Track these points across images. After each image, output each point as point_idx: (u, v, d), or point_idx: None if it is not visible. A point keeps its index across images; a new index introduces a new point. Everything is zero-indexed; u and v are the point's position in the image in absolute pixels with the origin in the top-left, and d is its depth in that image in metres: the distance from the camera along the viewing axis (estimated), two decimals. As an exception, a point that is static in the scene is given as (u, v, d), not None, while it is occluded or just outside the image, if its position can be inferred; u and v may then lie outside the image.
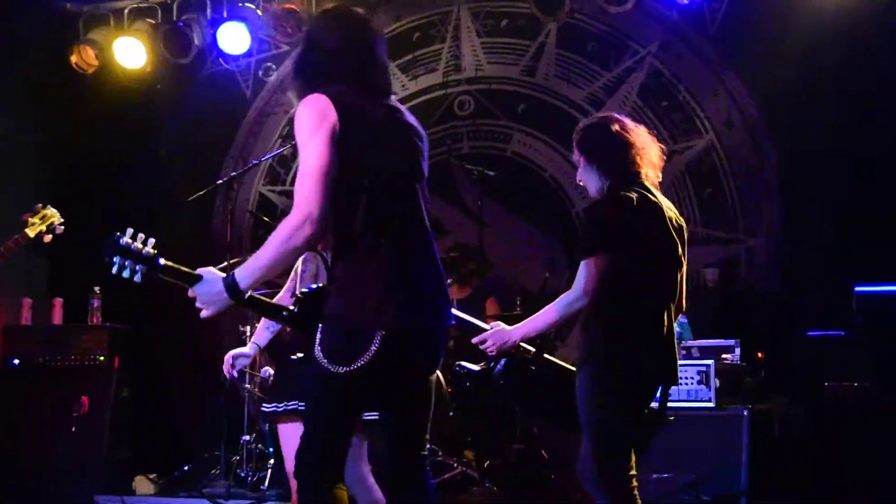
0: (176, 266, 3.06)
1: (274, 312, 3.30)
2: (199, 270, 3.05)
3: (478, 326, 4.10)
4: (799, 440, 5.66)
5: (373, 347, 3.01)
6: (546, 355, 4.08)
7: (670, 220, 3.84)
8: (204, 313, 3.06)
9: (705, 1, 7.32)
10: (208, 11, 7.76)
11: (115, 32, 7.87)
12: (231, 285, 3.00)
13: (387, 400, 3.19)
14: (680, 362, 5.37)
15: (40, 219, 4.90)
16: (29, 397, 6.55)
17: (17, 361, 6.69)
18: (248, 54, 8.05)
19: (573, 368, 3.88)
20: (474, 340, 4.02)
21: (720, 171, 7.48)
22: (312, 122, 3.00)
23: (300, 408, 4.26)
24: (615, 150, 3.88)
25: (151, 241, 3.06)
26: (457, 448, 6.46)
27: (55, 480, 6.33)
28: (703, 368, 5.38)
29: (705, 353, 5.85)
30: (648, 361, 3.74)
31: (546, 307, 3.83)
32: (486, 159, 7.79)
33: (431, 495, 3.24)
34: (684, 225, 3.92)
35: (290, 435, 4.26)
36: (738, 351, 5.90)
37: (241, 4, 7.65)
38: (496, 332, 3.97)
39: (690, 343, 5.94)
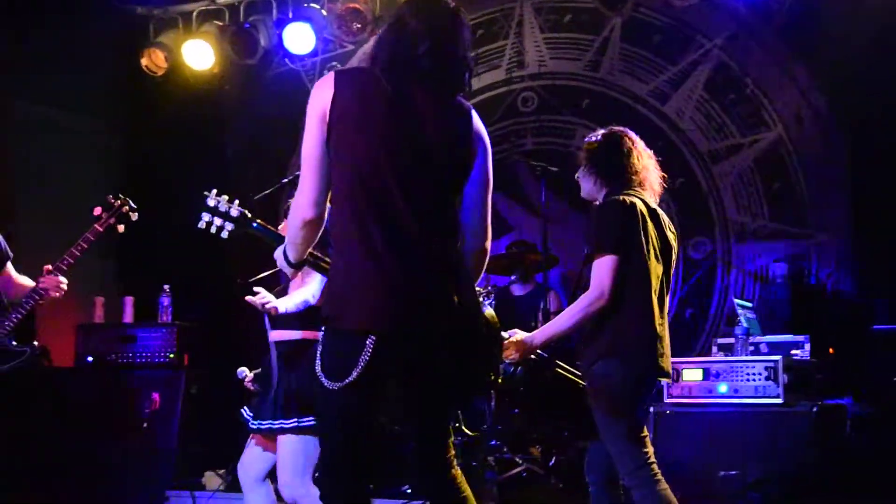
0: (260, 227, 3.33)
1: None
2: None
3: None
4: (869, 438, 5.54)
5: (366, 354, 2.87)
6: (558, 362, 4.11)
7: (668, 226, 4.00)
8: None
9: (773, -9, 7.23)
10: (274, 12, 7.84)
11: (183, 35, 7.99)
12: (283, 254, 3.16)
13: (397, 406, 3.09)
14: (747, 358, 5.37)
15: (110, 211, 5.01)
16: (102, 394, 6.68)
17: (90, 359, 6.83)
18: (314, 54, 8.11)
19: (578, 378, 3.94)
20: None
21: (789, 164, 7.35)
22: (310, 105, 2.97)
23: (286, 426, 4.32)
24: (619, 160, 4.00)
25: (236, 202, 3.30)
26: (522, 445, 6.44)
27: (127, 475, 6.45)
28: (772, 364, 5.29)
29: (774, 348, 5.76)
30: (656, 357, 3.83)
31: (566, 310, 3.90)
32: (550, 155, 7.76)
33: (459, 495, 3.11)
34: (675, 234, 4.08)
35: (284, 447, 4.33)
36: (807, 347, 5.79)
37: (306, 5, 7.71)
38: (518, 339, 3.99)
39: (758, 339, 5.85)
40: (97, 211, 5.04)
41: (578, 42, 8.00)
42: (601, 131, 4.20)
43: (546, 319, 6.66)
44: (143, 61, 7.94)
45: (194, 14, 8.04)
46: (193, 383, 6.92)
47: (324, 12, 7.70)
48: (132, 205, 5.07)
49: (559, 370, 4.13)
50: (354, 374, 2.86)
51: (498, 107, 8.15)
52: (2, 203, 7.52)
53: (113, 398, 6.64)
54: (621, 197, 3.90)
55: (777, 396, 5.30)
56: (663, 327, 3.87)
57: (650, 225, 3.89)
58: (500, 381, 3.29)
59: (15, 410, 6.59)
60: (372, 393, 2.92)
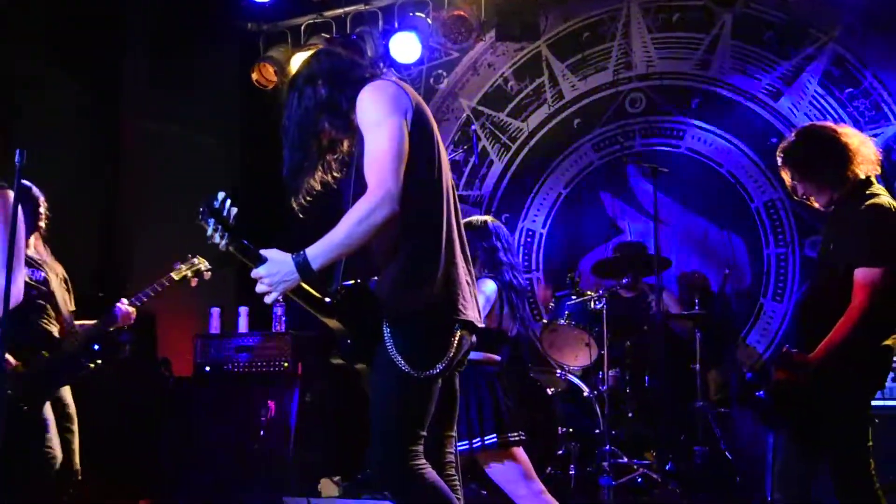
0: (248, 245, 3.01)
1: (318, 304, 3.14)
2: (264, 251, 3.01)
3: None
4: None
5: (452, 347, 3.05)
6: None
7: None
8: (268, 298, 3.03)
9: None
10: (380, 23, 7.92)
11: (292, 49, 8.12)
12: (302, 264, 2.95)
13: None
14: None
15: (188, 265, 5.21)
16: (219, 402, 6.81)
17: (208, 368, 6.98)
18: (420, 62, 8.15)
19: None
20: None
21: (911, 159, 7.09)
22: (386, 105, 3.05)
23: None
24: (836, 157, 3.78)
25: (234, 210, 3.02)
26: (637, 449, 6.36)
27: (245, 482, 6.56)
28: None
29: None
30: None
31: (837, 326, 3.64)
32: (660, 156, 7.66)
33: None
34: None
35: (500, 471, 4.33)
36: None
37: (411, 14, 7.77)
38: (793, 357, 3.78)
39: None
40: (176, 264, 5.22)
41: (687, 41, 7.85)
42: (790, 139, 3.98)
43: (660, 321, 6.57)
44: (254, 76, 8.10)
45: (302, 27, 8.17)
46: (307, 391, 7.01)
47: (429, 21, 7.75)
48: (207, 265, 5.28)
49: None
50: (441, 366, 3.03)
51: (606, 109, 8.06)
52: (128, 218, 7.77)
53: (230, 406, 6.77)
54: (874, 201, 3.73)
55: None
56: None
57: None
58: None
59: (137, 418, 6.82)
60: (439, 384, 3.10)
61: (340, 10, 8.04)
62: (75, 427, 4.87)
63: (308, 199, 3.30)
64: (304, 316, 7.00)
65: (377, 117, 3.04)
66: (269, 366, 6.86)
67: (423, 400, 3.07)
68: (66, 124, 7.17)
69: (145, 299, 5.14)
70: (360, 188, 3.04)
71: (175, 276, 5.19)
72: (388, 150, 2.98)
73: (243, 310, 7.29)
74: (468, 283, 3.17)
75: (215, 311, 7.29)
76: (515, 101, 8.37)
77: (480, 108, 8.44)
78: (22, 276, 4.34)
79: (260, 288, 3.02)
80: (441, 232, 3.10)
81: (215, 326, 7.27)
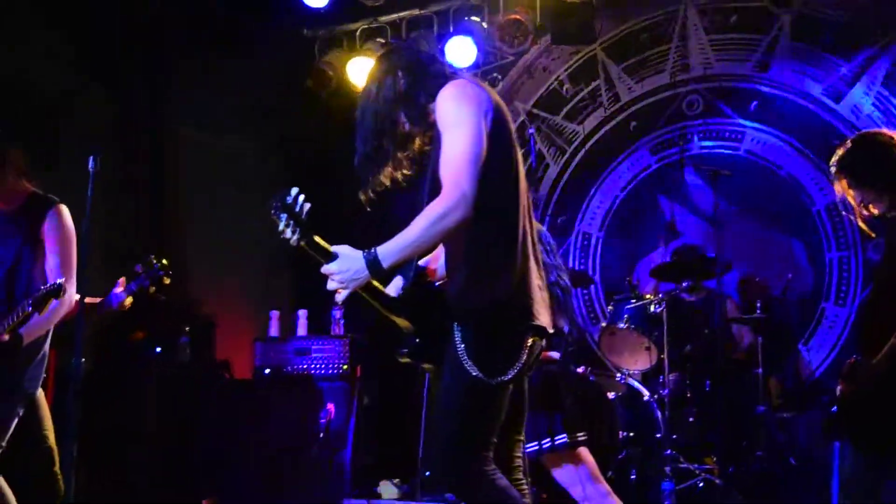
0: (320, 241, 2.99)
1: (388, 301, 3.14)
2: (335, 248, 2.99)
3: None
4: None
5: (524, 353, 3.02)
6: None
7: None
8: (339, 296, 3.00)
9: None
10: (435, 27, 7.93)
11: (348, 54, 8.16)
12: (373, 262, 2.93)
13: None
14: None
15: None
16: (279, 405, 6.86)
17: (267, 371, 7.03)
18: (475, 66, 8.14)
19: None
20: None
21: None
22: (466, 105, 3.05)
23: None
24: (894, 163, 3.74)
25: (307, 206, 3.01)
26: (698, 454, 6.30)
27: (305, 485, 6.59)
28: None
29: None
30: None
31: None
32: (718, 159, 7.60)
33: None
34: None
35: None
36: None
37: (466, 19, 7.78)
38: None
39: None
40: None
41: (745, 42, 7.79)
42: (845, 147, 3.91)
43: (721, 325, 6.52)
44: (310, 81, 8.15)
45: (357, 33, 8.20)
46: (365, 394, 7.04)
47: (484, 25, 7.75)
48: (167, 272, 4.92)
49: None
50: (513, 372, 2.99)
51: (663, 111, 8.02)
52: (174, 225, 7.85)
53: (290, 409, 6.81)
54: None
55: None
56: None
57: None
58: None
59: (197, 420, 6.89)
60: (510, 390, 3.06)
61: (395, 15, 8.05)
62: None
63: (375, 193, 3.31)
64: (361, 319, 7.09)
65: (457, 117, 3.02)
66: (328, 369, 6.90)
67: (495, 406, 3.03)
68: (111, 132, 7.27)
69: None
70: (435, 187, 3.03)
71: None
72: (466, 152, 2.97)
73: (302, 313, 7.34)
74: (540, 288, 3.13)
75: (274, 314, 7.35)
76: (571, 104, 8.35)
77: (536, 111, 8.42)
78: (74, 286, 4.39)
79: (331, 285, 3.00)
80: (516, 234, 3.07)
81: (274, 330, 7.32)
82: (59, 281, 4.06)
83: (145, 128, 7.70)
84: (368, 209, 3.35)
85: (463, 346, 2.97)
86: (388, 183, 3.31)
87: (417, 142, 3.31)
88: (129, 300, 4.68)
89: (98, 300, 4.67)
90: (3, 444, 4.26)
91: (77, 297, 4.28)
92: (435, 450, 3.08)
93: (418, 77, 3.23)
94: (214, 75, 7.94)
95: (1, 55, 6.41)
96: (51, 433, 4.60)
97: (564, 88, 8.38)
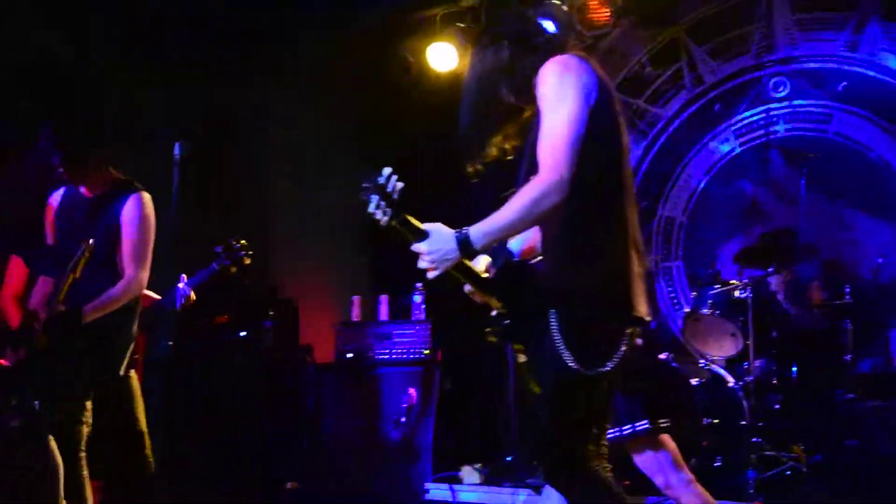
0: (412, 220, 2.93)
1: (480, 281, 3.10)
2: (427, 226, 2.92)
3: None
4: None
5: (623, 344, 2.92)
6: None
7: None
8: (430, 274, 2.92)
9: None
10: (516, 11, 7.88)
11: (427, 39, 8.15)
12: (464, 241, 2.86)
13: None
14: None
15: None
16: (361, 389, 6.92)
17: (349, 356, 7.09)
18: (555, 50, 8.07)
19: None
20: None
21: None
22: (569, 83, 2.95)
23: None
24: None
25: (400, 186, 2.95)
26: (784, 442, 6.19)
27: (388, 468, 6.65)
28: None
29: None
30: None
31: None
32: (806, 141, 7.44)
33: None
34: None
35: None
36: None
37: (547, 1, 7.71)
38: None
39: None
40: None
41: (834, 21, 7.59)
42: None
43: (809, 312, 6.41)
44: (389, 66, 8.16)
45: (437, 18, 8.19)
46: (447, 379, 7.05)
47: (565, 7, 7.67)
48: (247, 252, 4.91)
49: None
50: (610, 364, 2.89)
51: (747, 94, 7.87)
52: (256, 210, 7.95)
53: (371, 394, 6.86)
54: None
55: None
56: None
57: None
58: None
59: (280, 404, 6.98)
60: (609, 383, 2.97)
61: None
62: None
63: (483, 165, 3.23)
64: (443, 303, 7.10)
65: (558, 94, 2.92)
66: (409, 353, 6.93)
67: (594, 398, 2.94)
68: (192, 116, 7.36)
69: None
70: (533, 166, 2.95)
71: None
72: (566, 133, 2.87)
73: (383, 298, 7.38)
74: (640, 276, 3.01)
75: (356, 299, 7.40)
76: (653, 87, 8.24)
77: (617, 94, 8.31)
78: (146, 272, 4.46)
79: (421, 264, 2.94)
80: (619, 218, 2.98)
81: (356, 314, 7.37)
82: (90, 241, 4.09)
83: (233, 113, 7.79)
84: (474, 180, 3.28)
85: (559, 334, 2.88)
86: (494, 153, 3.23)
87: (526, 113, 3.20)
88: (192, 295, 4.76)
89: (156, 298, 4.72)
90: (88, 422, 4.34)
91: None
92: (533, 441, 3.02)
93: (523, 49, 3.15)
94: (297, 59, 8.01)
95: (77, 44, 6.52)
96: (142, 416, 4.70)
97: (646, 71, 8.27)
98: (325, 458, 6.83)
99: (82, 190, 4.54)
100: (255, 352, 7.00)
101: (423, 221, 2.97)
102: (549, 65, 2.99)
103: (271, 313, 7.13)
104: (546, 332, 2.91)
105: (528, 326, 2.98)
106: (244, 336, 7.00)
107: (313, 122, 8.30)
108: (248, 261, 4.79)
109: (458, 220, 3.04)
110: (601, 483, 2.95)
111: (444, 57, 8.05)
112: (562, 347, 2.87)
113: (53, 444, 4.15)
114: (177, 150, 4.06)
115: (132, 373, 4.83)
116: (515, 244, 3.29)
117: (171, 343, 4.44)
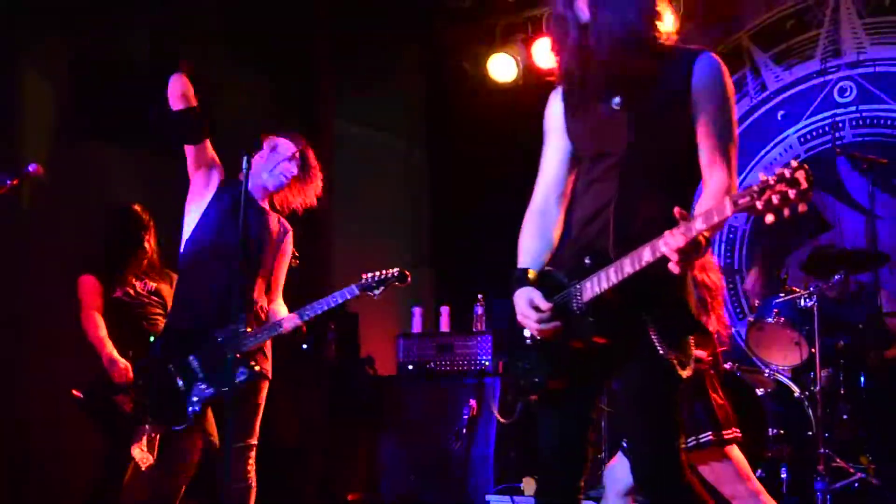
0: None
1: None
2: None
3: None
4: None
5: (693, 347, 2.92)
6: None
7: None
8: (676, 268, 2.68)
9: None
10: (576, 21, 7.85)
11: (487, 50, 8.17)
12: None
13: None
14: None
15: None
16: (423, 400, 6.93)
17: (410, 367, 7.11)
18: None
19: None
20: None
21: None
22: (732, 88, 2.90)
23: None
24: None
25: None
26: (853, 453, 6.06)
27: (449, 480, 6.64)
28: None
29: None
30: None
31: None
32: (874, 147, 7.28)
33: None
34: None
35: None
36: None
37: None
38: None
39: None
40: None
41: (903, 25, 7.45)
42: None
43: (876, 319, 6.27)
44: (450, 79, 8.20)
45: (497, 29, 8.20)
46: (508, 390, 7.02)
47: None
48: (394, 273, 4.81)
49: None
50: (691, 367, 2.91)
51: (812, 99, 7.74)
52: (320, 218, 8.00)
53: (432, 405, 6.86)
54: None
55: None
56: None
57: None
58: None
59: (342, 416, 7.01)
60: None
61: (537, 10, 8.01)
62: None
63: None
64: (503, 314, 7.09)
65: (730, 99, 2.87)
66: (471, 364, 6.92)
67: (682, 403, 2.92)
68: (258, 127, 7.44)
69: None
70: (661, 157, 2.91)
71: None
72: (737, 140, 2.87)
73: (444, 309, 7.38)
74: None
75: (417, 310, 7.42)
76: (715, 94, 8.13)
77: (680, 101, 8.24)
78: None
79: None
80: None
81: (417, 326, 7.39)
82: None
83: (300, 119, 7.87)
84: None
85: (658, 336, 2.82)
86: None
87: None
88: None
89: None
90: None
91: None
92: (644, 448, 2.90)
93: None
94: (363, 71, 8.08)
95: (152, 47, 6.64)
96: (214, 430, 4.78)
97: (709, 79, 8.17)
98: (386, 470, 6.85)
99: None
100: (317, 364, 7.05)
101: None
102: (720, 61, 2.89)
103: (333, 326, 7.17)
104: (643, 335, 2.83)
105: (615, 322, 2.86)
106: (306, 348, 7.05)
107: (381, 131, 8.36)
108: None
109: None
110: (701, 498, 2.89)
111: (504, 68, 8.06)
112: (664, 350, 2.81)
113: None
114: (244, 165, 4.11)
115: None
116: (535, 260, 3.13)
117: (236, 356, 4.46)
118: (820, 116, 7.70)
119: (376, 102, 8.39)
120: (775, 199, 2.45)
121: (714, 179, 2.83)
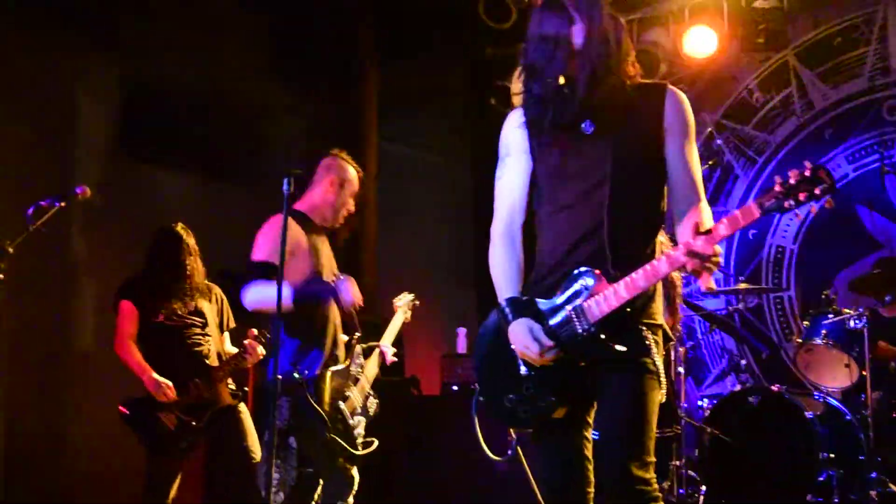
0: None
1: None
2: None
3: None
4: None
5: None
6: None
7: None
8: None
9: None
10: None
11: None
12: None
13: None
14: None
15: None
16: (466, 421, 6.89)
17: (455, 388, 7.10)
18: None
19: None
20: None
21: None
22: None
23: None
24: None
25: None
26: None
27: (494, 501, 6.62)
28: None
29: None
30: None
31: None
32: (924, 165, 7.21)
33: None
34: None
35: None
36: None
37: (649, 29, 7.68)
38: None
39: None
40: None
41: (953, 42, 7.37)
42: None
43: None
44: (493, 100, 8.21)
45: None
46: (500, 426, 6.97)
47: (669, 34, 7.62)
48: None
49: None
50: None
51: (860, 118, 7.66)
52: (364, 239, 8.04)
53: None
54: None
55: None
56: None
57: None
58: None
59: (387, 436, 7.01)
60: None
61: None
62: None
63: None
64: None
65: (694, 132, 3.07)
66: (515, 385, 6.88)
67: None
68: (303, 147, 7.51)
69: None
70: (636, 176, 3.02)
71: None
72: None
73: (489, 330, 7.36)
74: None
75: (461, 331, 7.42)
76: (761, 113, 8.10)
77: (724, 121, 8.22)
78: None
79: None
80: None
81: (462, 346, 7.39)
82: None
83: (345, 141, 7.94)
84: None
85: (655, 356, 2.94)
86: None
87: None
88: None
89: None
90: None
91: None
92: (622, 454, 2.92)
93: None
94: (407, 93, 8.12)
95: (200, 70, 6.73)
96: (256, 447, 4.80)
97: (754, 97, 8.14)
98: (431, 491, 6.83)
99: None
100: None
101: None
102: (684, 96, 3.06)
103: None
104: (644, 352, 2.95)
105: (616, 337, 2.94)
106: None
107: (424, 151, 8.40)
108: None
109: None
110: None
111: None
112: (659, 369, 2.93)
113: None
114: (285, 187, 4.16)
115: (242, 405, 4.94)
116: (516, 288, 3.26)
117: (279, 376, 4.50)
118: (868, 135, 7.62)
119: (420, 123, 8.43)
120: (801, 197, 2.73)
121: (703, 203, 2.99)
